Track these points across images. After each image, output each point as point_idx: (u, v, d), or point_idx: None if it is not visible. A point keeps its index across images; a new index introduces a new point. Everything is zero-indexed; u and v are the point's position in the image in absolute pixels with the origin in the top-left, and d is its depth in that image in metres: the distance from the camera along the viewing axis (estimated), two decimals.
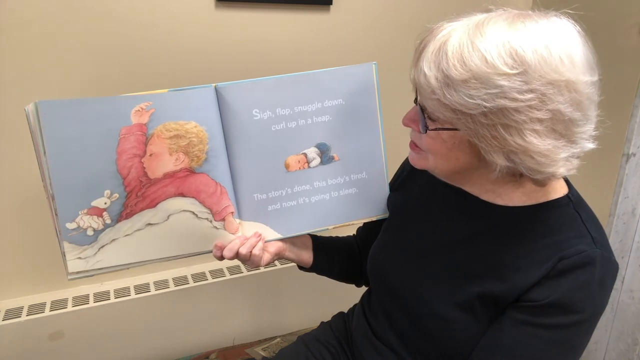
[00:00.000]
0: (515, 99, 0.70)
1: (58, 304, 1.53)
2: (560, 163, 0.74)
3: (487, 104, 0.71)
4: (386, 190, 1.06)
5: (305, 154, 0.98)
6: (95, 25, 1.39)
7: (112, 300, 1.56)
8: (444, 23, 0.78)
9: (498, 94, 0.70)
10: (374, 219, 1.07)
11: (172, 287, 1.63)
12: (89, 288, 1.61)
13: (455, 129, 0.78)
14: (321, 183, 1.01)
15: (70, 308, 1.52)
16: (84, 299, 1.56)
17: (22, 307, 1.51)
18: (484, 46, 0.71)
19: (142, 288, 1.62)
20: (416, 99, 0.84)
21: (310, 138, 0.98)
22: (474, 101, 0.72)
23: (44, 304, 1.53)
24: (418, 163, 0.90)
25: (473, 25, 0.74)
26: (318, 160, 0.99)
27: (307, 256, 1.12)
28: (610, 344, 1.83)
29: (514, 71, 0.70)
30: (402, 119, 0.88)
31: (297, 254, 1.09)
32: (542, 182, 0.81)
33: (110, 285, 1.63)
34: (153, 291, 1.61)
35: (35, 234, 1.48)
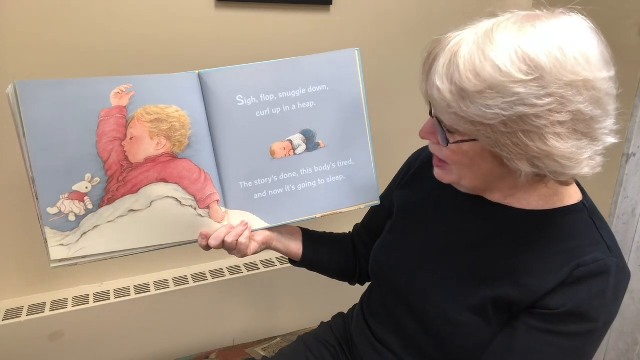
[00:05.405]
0: (533, 105, 0.68)
1: (58, 304, 1.53)
2: (584, 163, 0.72)
3: (506, 113, 0.69)
4: (374, 177, 1.05)
5: (290, 141, 0.97)
6: (94, 25, 1.40)
7: (112, 300, 1.56)
8: (451, 33, 0.75)
9: (516, 102, 0.69)
10: (362, 206, 1.05)
11: (172, 287, 1.63)
12: (89, 288, 1.61)
13: (476, 140, 0.76)
14: (307, 170, 1.00)
15: (70, 308, 1.52)
16: (84, 299, 1.56)
17: (22, 307, 1.51)
18: (495, 54, 0.69)
19: (142, 288, 1.62)
20: (431, 111, 0.83)
21: (295, 124, 0.97)
22: (492, 111, 0.70)
23: (44, 304, 1.53)
24: (445, 178, 0.88)
25: (482, 34, 0.72)
26: (304, 147, 0.98)
27: (296, 248, 1.10)
28: (610, 343, 1.82)
29: (530, 77, 0.68)
30: (419, 132, 0.86)
31: (285, 244, 1.08)
32: (566, 182, 0.80)
33: (110, 285, 1.63)
34: (153, 291, 1.61)
35: (36, 233, 1.48)
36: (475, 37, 0.72)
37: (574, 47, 0.69)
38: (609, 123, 0.73)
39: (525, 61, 0.68)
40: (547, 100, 0.68)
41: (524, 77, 0.68)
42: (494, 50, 0.69)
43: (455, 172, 0.84)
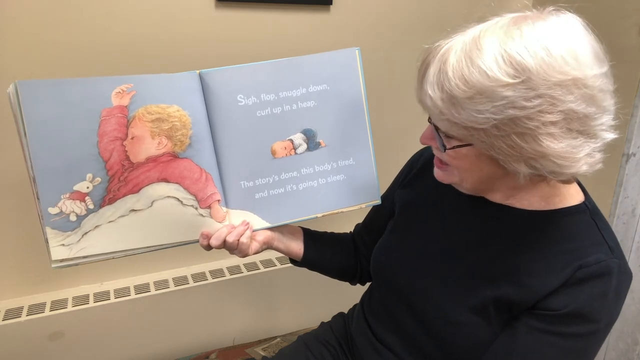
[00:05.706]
0: (523, 107, 0.69)
1: (58, 304, 1.53)
2: (582, 161, 0.72)
3: (497, 116, 0.70)
4: (374, 177, 1.05)
5: (291, 140, 0.97)
6: (94, 25, 1.40)
7: (112, 300, 1.56)
8: (442, 41, 0.76)
9: (505, 105, 0.69)
10: (363, 205, 1.05)
11: (172, 287, 1.63)
12: (89, 288, 1.61)
13: (472, 145, 0.77)
14: (308, 170, 1.00)
15: (70, 308, 1.52)
16: (84, 299, 1.55)
17: (22, 307, 1.51)
18: (482, 60, 0.69)
19: (142, 288, 1.62)
20: (430, 117, 0.83)
21: (296, 124, 0.97)
22: (483, 116, 0.70)
23: (44, 304, 1.53)
24: (445, 179, 0.88)
25: (469, 40, 0.72)
26: (304, 146, 0.98)
27: (297, 248, 1.10)
28: (610, 344, 1.82)
29: (517, 80, 0.68)
30: (420, 137, 0.87)
31: (287, 244, 1.08)
32: (567, 181, 0.80)
33: (110, 285, 1.63)
34: (153, 291, 1.61)
35: (36, 233, 1.48)
36: (462, 44, 0.73)
37: (561, 46, 0.69)
38: (606, 119, 0.73)
39: (512, 64, 0.68)
40: (537, 101, 0.68)
41: (511, 81, 0.68)
42: (480, 56, 0.70)
43: (456, 174, 0.85)
